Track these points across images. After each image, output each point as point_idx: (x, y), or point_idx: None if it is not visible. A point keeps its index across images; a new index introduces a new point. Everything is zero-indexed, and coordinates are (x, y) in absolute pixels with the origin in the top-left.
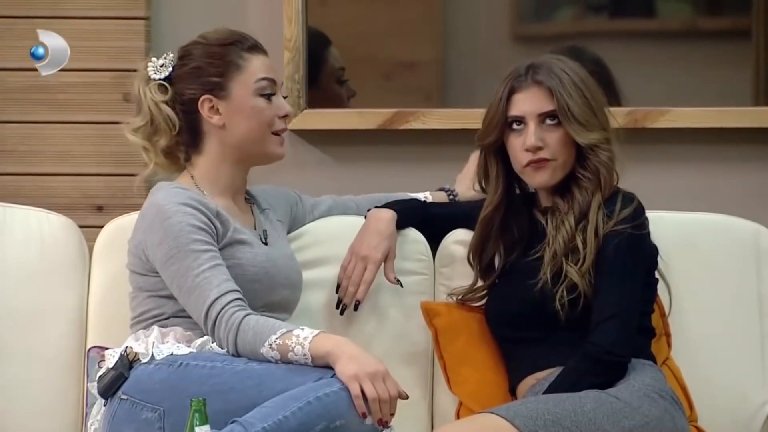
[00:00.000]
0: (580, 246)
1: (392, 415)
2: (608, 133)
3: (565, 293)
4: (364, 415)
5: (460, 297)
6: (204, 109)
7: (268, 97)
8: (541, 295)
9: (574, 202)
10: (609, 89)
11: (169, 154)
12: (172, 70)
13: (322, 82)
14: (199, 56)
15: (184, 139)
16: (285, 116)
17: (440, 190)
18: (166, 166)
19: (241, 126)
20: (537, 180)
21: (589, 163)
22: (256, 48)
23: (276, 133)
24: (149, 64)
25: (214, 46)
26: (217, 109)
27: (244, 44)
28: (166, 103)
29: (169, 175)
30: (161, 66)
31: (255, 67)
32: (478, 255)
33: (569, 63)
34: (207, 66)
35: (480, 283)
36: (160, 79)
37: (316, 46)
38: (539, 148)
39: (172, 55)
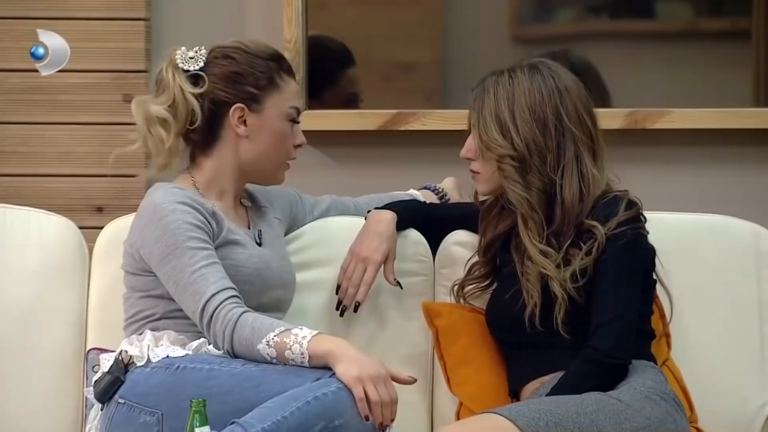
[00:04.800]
0: (560, 291)
1: (392, 420)
2: (518, 153)
3: (558, 315)
4: (367, 418)
5: (461, 282)
6: (233, 117)
7: (292, 124)
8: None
9: (524, 253)
10: (598, 91)
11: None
12: (204, 66)
13: (326, 100)
14: (241, 62)
15: (197, 137)
16: (299, 146)
17: (424, 188)
18: (175, 151)
19: (263, 144)
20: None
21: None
22: (291, 71)
23: (288, 159)
24: (178, 52)
25: (258, 58)
26: (245, 121)
27: (284, 65)
28: (194, 95)
29: (167, 161)
30: (191, 58)
31: (290, 91)
32: (481, 236)
33: (521, 79)
34: (248, 75)
35: (477, 258)
36: (188, 71)
37: (335, 63)
38: (469, 159)
39: (204, 50)
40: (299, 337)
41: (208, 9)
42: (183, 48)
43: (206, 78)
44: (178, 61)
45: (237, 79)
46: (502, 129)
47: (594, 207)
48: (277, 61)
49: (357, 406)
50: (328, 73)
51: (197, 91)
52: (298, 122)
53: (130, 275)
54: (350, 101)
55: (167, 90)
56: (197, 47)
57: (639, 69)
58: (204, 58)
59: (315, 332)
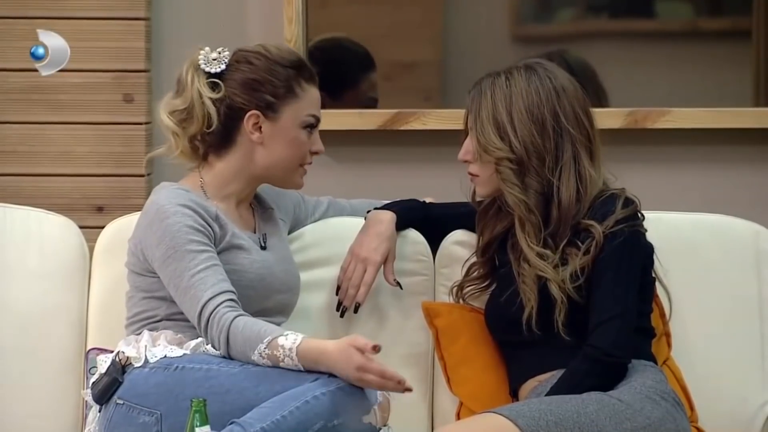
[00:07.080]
0: (558, 293)
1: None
2: (516, 156)
3: (559, 318)
4: (376, 348)
5: (459, 283)
6: (248, 123)
7: (310, 130)
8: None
9: (521, 255)
10: (595, 91)
11: (192, 144)
12: (225, 70)
13: (345, 100)
14: (260, 69)
15: (212, 139)
16: (316, 153)
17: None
18: (189, 154)
19: (277, 151)
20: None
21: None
22: (313, 79)
23: (303, 165)
24: (201, 52)
25: (278, 65)
26: (260, 127)
27: (304, 72)
28: (212, 100)
29: (187, 163)
30: (214, 59)
31: (309, 100)
32: (479, 237)
33: (518, 80)
34: (266, 82)
35: (475, 258)
36: (210, 73)
37: (355, 66)
38: (467, 161)
39: (227, 52)
40: (287, 350)
41: (208, 8)
42: (207, 48)
43: (224, 83)
44: (201, 62)
45: (254, 86)
46: (500, 131)
47: (591, 206)
48: (297, 69)
49: (358, 405)
50: (349, 76)
51: (215, 95)
52: (315, 128)
53: (135, 275)
54: (369, 106)
55: (185, 92)
56: (221, 48)
57: (639, 69)
58: (226, 61)
59: (299, 341)
